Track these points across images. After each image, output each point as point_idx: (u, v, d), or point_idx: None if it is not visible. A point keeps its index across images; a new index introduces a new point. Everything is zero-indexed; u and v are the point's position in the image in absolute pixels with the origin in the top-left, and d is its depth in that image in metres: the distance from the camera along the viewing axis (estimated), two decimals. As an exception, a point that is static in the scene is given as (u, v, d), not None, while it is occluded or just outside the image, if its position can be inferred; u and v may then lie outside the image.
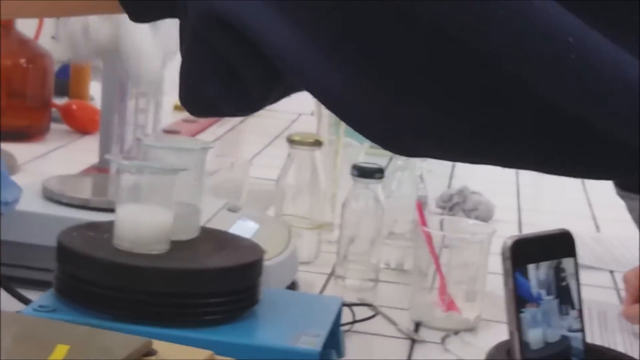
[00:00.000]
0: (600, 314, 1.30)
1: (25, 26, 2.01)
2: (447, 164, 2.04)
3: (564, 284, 0.78)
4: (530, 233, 0.79)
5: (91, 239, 0.98)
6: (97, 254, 0.94)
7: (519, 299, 0.76)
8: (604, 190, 1.37)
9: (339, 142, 1.50)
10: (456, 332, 1.20)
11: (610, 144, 0.44)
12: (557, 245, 0.79)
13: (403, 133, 0.48)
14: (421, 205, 1.27)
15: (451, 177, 1.99)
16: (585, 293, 1.36)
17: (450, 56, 0.45)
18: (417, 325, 1.22)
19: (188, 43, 0.53)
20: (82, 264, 0.94)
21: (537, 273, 0.77)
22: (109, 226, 0.98)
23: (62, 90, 2.15)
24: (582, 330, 0.79)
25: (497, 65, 0.43)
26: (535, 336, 0.76)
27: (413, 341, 1.17)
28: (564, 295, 0.78)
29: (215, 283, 0.95)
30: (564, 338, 0.78)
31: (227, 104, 0.54)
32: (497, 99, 0.45)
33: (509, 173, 2.07)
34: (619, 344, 1.21)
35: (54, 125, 1.98)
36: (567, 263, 0.79)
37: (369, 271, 1.34)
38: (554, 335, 0.77)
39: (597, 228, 1.76)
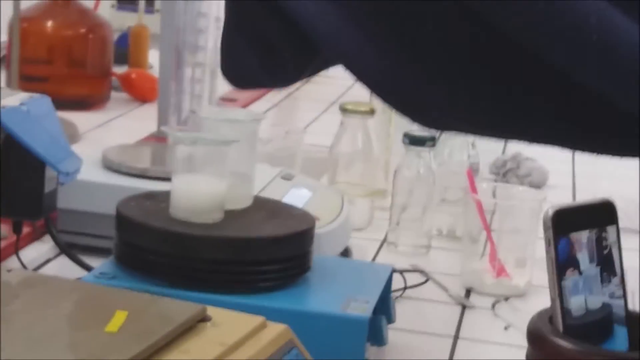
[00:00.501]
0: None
1: (85, -2, 2.04)
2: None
3: (606, 251, 0.80)
4: (572, 203, 0.80)
5: (148, 209, 1.01)
6: (154, 223, 0.98)
7: (561, 267, 0.78)
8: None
9: (392, 110, 1.52)
10: (506, 298, 1.21)
11: (630, 122, 0.46)
12: (599, 214, 0.80)
13: (430, 107, 0.51)
14: (472, 173, 1.28)
15: (505, 142, 1.99)
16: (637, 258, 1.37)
17: (474, 36, 0.47)
18: (468, 291, 1.24)
19: (230, 18, 0.56)
20: (140, 232, 0.98)
21: (579, 241, 0.79)
22: (165, 196, 1.01)
23: (121, 59, 2.18)
24: (624, 297, 0.81)
25: (521, 46, 0.45)
26: (576, 303, 0.78)
27: (464, 307, 1.20)
28: (606, 263, 0.80)
29: (267, 251, 0.97)
30: (606, 305, 0.80)
31: (266, 76, 0.57)
32: (520, 78, 0.47)
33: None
34: (669, 309, 1.22)
35: (113, 94, 2.02)
36: (609, 231, 0.80)
37: (421, 237, 1.36)
38: (595, 302, 0.79)
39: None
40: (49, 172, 1.08)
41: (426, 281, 1.24)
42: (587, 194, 1.67)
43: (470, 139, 1.45)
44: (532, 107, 0.48)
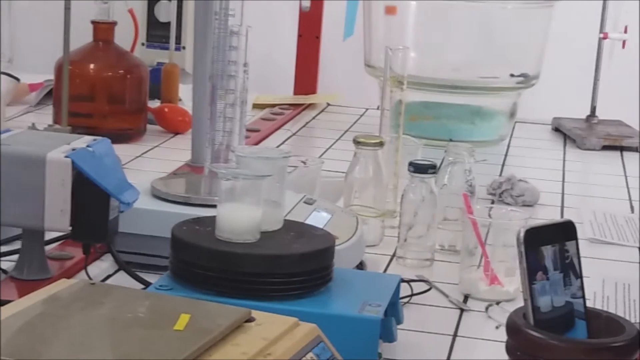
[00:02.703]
0: (625, 285, 1.51)
1: (122, 40, 2.26)
2: (500, 155, 2.26)
3: (567, 261, 1.01)
4: (540, 223, 1.01)
5: (198, 231, 1.22)
6: (203, 243, 1.18)
7: (531, 273, 0.98)
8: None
9: (399, 141, 1.72)
10: (498, 302, 1.41)
11: None
12: (562, 232, 1.01)
13: None
14: (467, 196, 1.49)
15: (503, 166, 2.20)
16: (613, 267, 1.58)
17: None
18: (466, 297, 1.44)
19: None
20: (192, 251, 1.18)
21: (546, 253, 0.99)
22: (211, 220, 1.22)
23: (153, 94, 2.38)
24: (582, 297, 1.01)
25: None
26: (544, 302, 0.99)
27: (461, 310, 1.40)
28: (568, 270, 1.00)
29: (296, 265, 1.18)
30: (568, 303, 1.00)
31: None
32: None
33: (556, 163, 2.29)
34: (640, 311, 1.42)
35: (149, 127, 2.23)
36: (570, 245, 1.01)
37: (425, 252, 1.56)
38: (559, 301, 1.00)
39: (632, 209, 1.96)
40: (113, 202, 1.29)
41: (429, 289, 1.45)
42: (574, 212, 1.87)
43: (467, 165, 1.65)
44: None
